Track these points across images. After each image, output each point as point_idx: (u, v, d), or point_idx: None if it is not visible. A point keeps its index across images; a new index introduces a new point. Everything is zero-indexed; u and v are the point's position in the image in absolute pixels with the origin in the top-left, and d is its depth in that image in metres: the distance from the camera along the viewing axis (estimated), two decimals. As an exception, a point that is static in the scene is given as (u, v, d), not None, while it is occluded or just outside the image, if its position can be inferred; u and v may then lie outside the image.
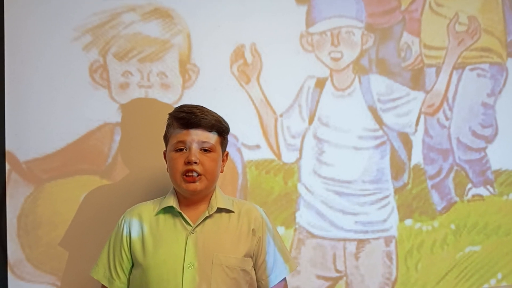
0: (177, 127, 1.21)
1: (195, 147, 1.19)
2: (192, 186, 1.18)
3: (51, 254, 1.43)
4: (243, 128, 1.59)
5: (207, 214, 1.21)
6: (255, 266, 1.23)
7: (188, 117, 1.20)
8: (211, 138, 1.21)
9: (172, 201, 1.22)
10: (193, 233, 1.19)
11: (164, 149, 1.28)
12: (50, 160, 1.44)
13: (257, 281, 1.24)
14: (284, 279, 1.28)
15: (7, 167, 1.42)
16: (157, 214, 1.23)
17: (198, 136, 1.19)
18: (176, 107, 1.27)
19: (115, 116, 1.50)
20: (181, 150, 1.20)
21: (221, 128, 1.24)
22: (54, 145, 1.45)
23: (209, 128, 1.21)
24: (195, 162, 1.18)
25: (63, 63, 1.46)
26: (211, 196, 1.25)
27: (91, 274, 1.24)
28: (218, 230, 1.21)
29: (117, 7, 1.51)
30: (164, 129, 1.27)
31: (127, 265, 1.21)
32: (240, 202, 1.28)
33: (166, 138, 1.26)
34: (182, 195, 1.23)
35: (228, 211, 1.24)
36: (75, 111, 1.46)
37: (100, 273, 1.23)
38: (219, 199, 1.24)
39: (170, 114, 1.25)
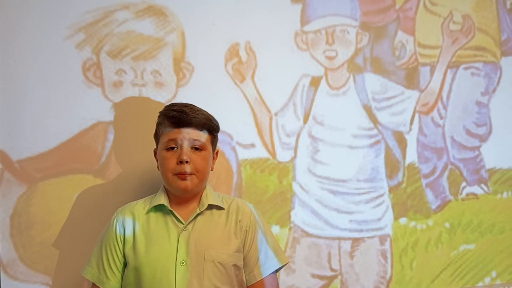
0: (168, 126, 1.21)
1: (186, 145, 1.19)
2: (183, 184, 1.19)
3: (44, 253, 1.42)
4: (238, 127, 1.59)
5: (198, 211, 1.21)
6: (245, 260, 1.23)
7: (179, 116, 1.20)
8: (202, 136, 1.22)
9: (163, 199, 1.22)
10: (184, 231, 1.19)
11: (155, 147, 1.28)
12: (43, 159, 1.44)
13: (247, 275, 1.24)
14: (275, 273, 1.27)
15: (0, 166, 1.41)
16: (148, 212, 1.23)
17: (189, 135, 1.20)
18: (167, 106, 1.27)
19: (109, 115, 1.49)
20: (172, 148, 1.20)
21: (211, 127, 1.25)
22: (47, 144, 1.44)
23: (200, 126, 1.21)
24: (187, 162, 1.18)
25: (56, 61, 1.46)
26: (202, 194, 1.25)
27: (82, 274, 1.24)
28: (209, 227, 1.21)
29: (110, 5, 1.50)
30: (157, 127, 1.27)
31: (119, 264, 1.20)
32: (230, 199, 1.29)
33: (157, 136, 1.26)
34: (173, 193, 1.23)
35: (219, 208, 1.24)
36: (68, 109, 1.46)
37: (91, 273, 1.22)
38: (210, 196, 1.25)
39: (160, 112, 1.25)
